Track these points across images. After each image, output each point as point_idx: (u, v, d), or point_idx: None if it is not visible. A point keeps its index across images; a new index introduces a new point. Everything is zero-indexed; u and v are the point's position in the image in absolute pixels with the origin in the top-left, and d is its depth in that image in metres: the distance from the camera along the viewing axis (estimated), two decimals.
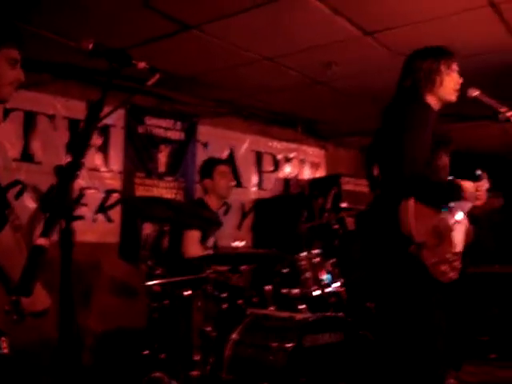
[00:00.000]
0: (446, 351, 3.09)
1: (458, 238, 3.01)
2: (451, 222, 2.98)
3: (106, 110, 1.99)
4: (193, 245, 4.16)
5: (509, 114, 3.14)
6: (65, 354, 1.54)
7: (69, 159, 1.57)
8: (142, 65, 1.97)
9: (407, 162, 2.82)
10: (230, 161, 6.19)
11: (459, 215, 3.03)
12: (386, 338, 3.24)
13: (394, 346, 3.11)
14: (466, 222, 3.06)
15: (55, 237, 1.62)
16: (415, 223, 2.77)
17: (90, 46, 1.88)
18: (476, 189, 3.02)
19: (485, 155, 7.01)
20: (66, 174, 1.60)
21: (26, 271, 1.54)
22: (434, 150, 2.99)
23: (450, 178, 3.09)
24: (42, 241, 1.53)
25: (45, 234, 1.56)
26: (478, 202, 3.06)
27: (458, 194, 2.98)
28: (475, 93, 3.15)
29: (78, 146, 1.65)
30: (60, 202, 1.57)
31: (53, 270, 1.60)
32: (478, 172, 3.13)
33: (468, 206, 3.06)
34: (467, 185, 2.99)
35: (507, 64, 4.70)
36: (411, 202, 2.80)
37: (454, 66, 3.14)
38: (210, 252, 4.44)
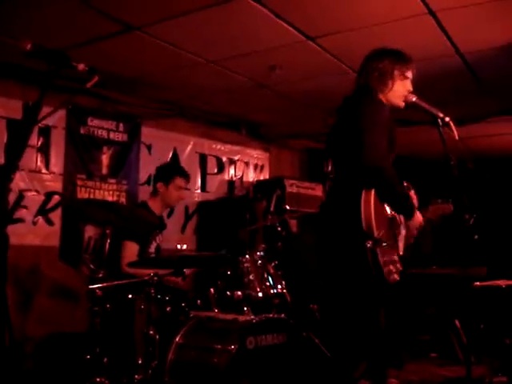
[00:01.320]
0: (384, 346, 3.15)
1: (401, 241, 3.09)
2: (399, 223, 3.06)
3: (47, 110, 1.96)
4: (130, 258, 4.12)
5: (446, 118, 3.23)
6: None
7: (3, 161, 1.53)
8: (81, 66, 1.95)
9: (367, 150, 2.83)
10: (175, 162, 6.16)
11: (403, 220, 3.11)
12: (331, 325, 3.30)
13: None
14: (405, 230, 3.15)
15: None
16: (374, 215, 2.80)
17: (28, 47, 1.85)
18: (419, 223, 3.13)
19: (428, 161, 7.19)
20: (0, 176, 1.56)
21: None
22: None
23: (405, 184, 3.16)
24: None
25: None
26: (413, 234, 3.17)
27: (408, 213, 3.06)
28: (413, 98, 3.23)
29: (14, 148, 1.62)
30: None
31: None
32: (405, 183, 3.23)
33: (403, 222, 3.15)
34: (419, 216, 3.09)
35: (446, 70, 4.83)
36: (373, 193, 2.83)
37: (408, 74, 3.21)
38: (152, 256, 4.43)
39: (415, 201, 3.24)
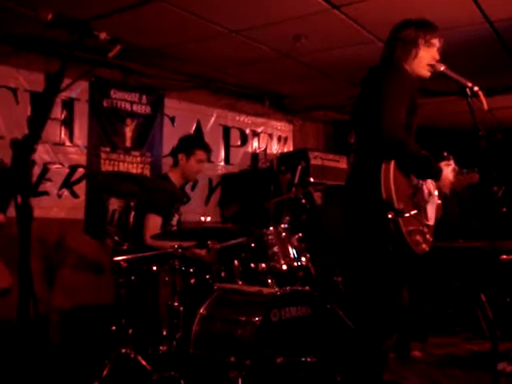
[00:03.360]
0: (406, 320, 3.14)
1: (431, 211, 3.05)
2: (426, 194, 3.02)
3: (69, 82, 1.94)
4: (153, 231, 4.13)
5: (475, 88, 3.15)
6: (25, 332, 1.51)
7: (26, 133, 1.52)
8: (103, 35, 1.92)
9: (386, 123, 2.79)
10: (198, 135, 6.14)
11: (432, 190, 3.06)
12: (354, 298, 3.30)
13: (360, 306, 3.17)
14: (436, 198, 3.10)
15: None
16: (394, 187, 2.76)
17: (49, 17, 1.82)
18: (448, 175, 3.08)
19: (456, 131, 7.09)
20: (23, 147, 1.55)
21: None
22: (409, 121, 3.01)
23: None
24: None
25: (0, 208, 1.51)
26: (445, 190, 3.12)
27: (435, 175, 3.01)
28: (441, 67, 3.16)
29: (35, 120, 1.60)
30: (15, 177, 1.52)
31: (12, 246, 1.55)
32: (445, 154, 3.17)
33: (435, 186, 3.10)
34: (446, 172, 3.04)
35: (475, 39, 4.72)
36: (392, 165, 2.80)
37: (434, 41, 3.13)
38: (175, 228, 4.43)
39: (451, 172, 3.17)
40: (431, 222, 3.04)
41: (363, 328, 3.05)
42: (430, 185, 3.06)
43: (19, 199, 1.49)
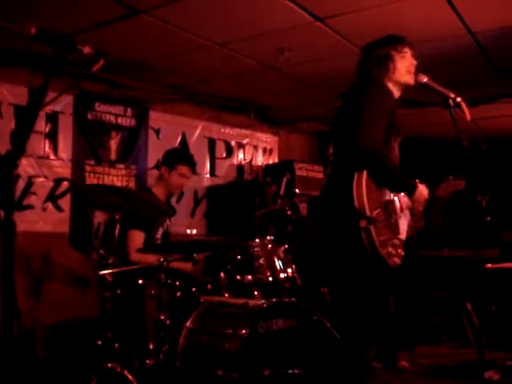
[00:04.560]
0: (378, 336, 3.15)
1: (403, 225, 3.05)
2: (398, 209, 3.02)
3: (54, 96, 1.93)
4: (136, 247, 4.11)
5: (458, 99, 3.19)
6: (9, 347, 1.49)
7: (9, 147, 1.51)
8: (86, 50, 1.92)
9: (363, 135, 2.83)
10: (183, 148, 6.14)
11: (404, 206, 3.06)
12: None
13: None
14: (408, 215, 3.11)
15: None
16: (367, 197, 2.78)
17: (33, 31, 1.82)
18: (423, 195, 3.09)
19: (441, 141, 7.14)
20: (5, 163, 1.54)
21: None
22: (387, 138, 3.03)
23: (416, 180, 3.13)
24: None
25: None
26: (417, 207, 3.13)
27: (408, 190, 3.02)
28: (424, 79, 3.20)
29: (18, 134, 1.60)
30: None
31: None
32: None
33: (408, 202, 3.11)
34: (422, 190, 3.05)
35: (457, 50, 4.76)
36: (365, 175, 2.82)
37: (406, 49, 3.18)
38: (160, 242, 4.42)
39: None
40: (403, 236, 3.05)
41: (343, 337, 3.07)
42: (402, 200, 3.06)
43: (2, 214, 1.49)
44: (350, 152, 2.92)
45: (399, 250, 2.96)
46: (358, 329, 3.03)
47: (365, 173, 2.82)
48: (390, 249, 2.88)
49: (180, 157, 4.72)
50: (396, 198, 3.02)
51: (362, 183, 2.79)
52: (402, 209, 3.04)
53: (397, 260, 2.92)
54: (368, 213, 2.76)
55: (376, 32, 3.26)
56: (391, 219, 2.93)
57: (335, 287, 3.28)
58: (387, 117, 2.96)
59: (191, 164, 4.72)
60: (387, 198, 2.98)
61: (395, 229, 2.98)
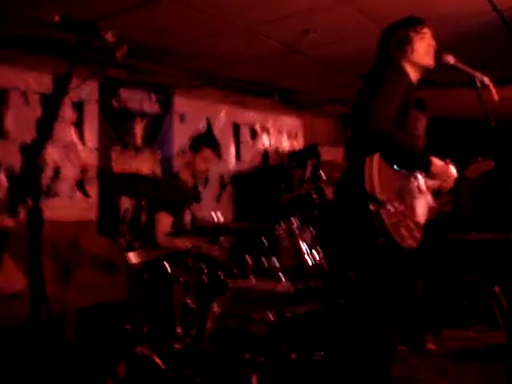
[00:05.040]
0: (396, 318, 3.10)
1: (420, 208, 3.01)
2: (415, 190, 2.98)
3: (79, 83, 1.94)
4: (164, 230, 4.14)
5: (485, 79, 3.14)
6: (38, 333, 1.52)
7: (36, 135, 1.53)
8: (109, 36, 1.92)
9: (372, 117, 2.80)
10: (209, 133, 6.15)
11: (424, 187, 3.02)
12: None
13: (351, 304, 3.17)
14: (429, 197, 3.06)
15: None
16: (378, 180, 2.75)
17: (56, 18, 1.83)
18: (446, 172, 3.04)
19: (468, 122, 7.05)
20: (32, 151, 1.55)
21: None
22: (410, 116, 3.00)
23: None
24: (6, 222, 1.50)
25: (9, 213, 1.51)
26: (444, 186, 3.08)
27: (424, 166, 2.97)
28: (450, 59, 3.14)
29: (44, 122, 1.61)
30: (25, 181, 1.52)
31: (24, 250, 1.56)
32: (447, 160, 3.14)
33: (433, 184, 3.06)
34: (438, 163, 3.00)
35: (483, 30, 4.68)
36: (376, 158, 2.79)
37: (425, 30, 3.13)
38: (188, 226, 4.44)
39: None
40: (420, 219, 3.01)
41: (367, 320, 3.05)
42: (421, 182, 3.02)
43: (29, 203, 1.50)
44: (361, 133, 2.91)
45: (415, 233, 2.93)
46: (379, 310, 3.01)
47: (376, 156, 2.79)
48: (404, 231, 2.85)
49: (204, 141, 4.73)
50: (413, 181, 2.98)
51: (373, 166, 2.77)
52: (420, 191, 3.00)
53: (411, 242, 2.89)
54: (378, 196, 2.74)
55: (400, 12, 3.21)
56: (405, 202, 2.90)
57: (353, 270, 3.26)
58: (400, 98, 2.93)
59: (215, 147, 4.72)
60: (403, 180, 2.94)
61: (411, 211, 2.95)
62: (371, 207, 2.74)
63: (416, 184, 2.98)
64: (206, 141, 4.74)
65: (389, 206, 2.76)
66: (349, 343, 3.13)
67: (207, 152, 4.57)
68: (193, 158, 4.55)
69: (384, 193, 2.76)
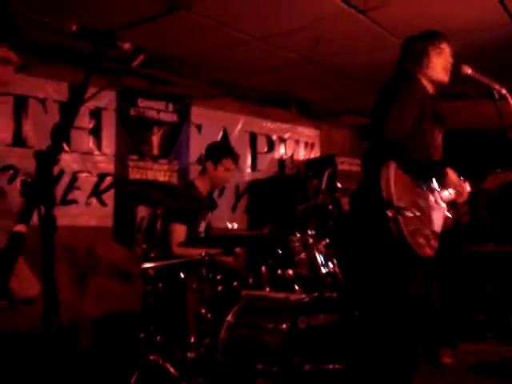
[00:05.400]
0: (423, 326, 3.08)
1: (437, 219, 3.00)
2: (432, 200, 2.98)
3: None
4: (179, 240, 4.14)
5: (503, 91, 3.12)
6: (50, 340, 1.52)
7: (47, 144, 1.54)
8: (126, 46, 1.93)
9: (387, 128, 2.83)
10: (225, 142, 6.16)
11: (439, 198, 3.02)
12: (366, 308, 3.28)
13: (371, 315, 3.15)
14: (445, 209, 3.05)
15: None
16: (395, 187, 2.76)
17: (74, 28, 1.84)
18: (460, 183, 3.04)
19: (487, 134, 7.01)
20: (46, 158, 1.57)
21: (2, 259, 1.52)
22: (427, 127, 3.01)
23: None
24: (19, 227, 1.50)
25: (22, 220, 1.52)
26: (460, 198, 3.09)
27: (438, 175, 2.97)
28: (468, 70, 3.13)
29: (59, 130, 1.62)
30: (38, 187, 1.54)
31: (37, 256, 1.58)
32: (461, 178, 3.15)
33: (448, 197, 3.06)
34: (452, 173, 3.01)
35: (501, 41, 4.66)
36: (392, 166, 2.80)
37: (443, 46, 3.14)
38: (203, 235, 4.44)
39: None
40: (436, 228, 2.99)
41: (388, 332, 3.02)
42: (438, 194, 3.02)
43: (42, 210, 1.52)
44: (376, 143, 2.94)
45: (432, 242, 2.92)
46: (393, 320, 2.99)
47: (393, 164, 2.81)
48: (421, 239, 2.84)
49: (224, 151, 4.69)
50: (430, 192, 2.98)
51: (390, 174, 2.78)
52: (437, 202, 3.00)
53: (429, 251, 2.89)
54: (396, 203, 2.74)
55: (417, 23, 3.23)
56: (422, 210, 2.89)
57: (369, 278, 3.24)
58: (416, 110, 2.93)
59: (235, 158, 4.70)
60: (420, 189, 2.94)
61: (428, 220, 2.94)
62: (389, 214, 2.74)
63: (433, 195, 2.98)
64: (225, 151, 4.71)
65: (407, 213, 2.76)
66: (369, 355, 3.10)
67: (228, 162, 4.56)
68: (213, 168, 4.52)
69: (401, 200, 2.77)
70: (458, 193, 3.10)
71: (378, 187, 2.79)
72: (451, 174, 3.02)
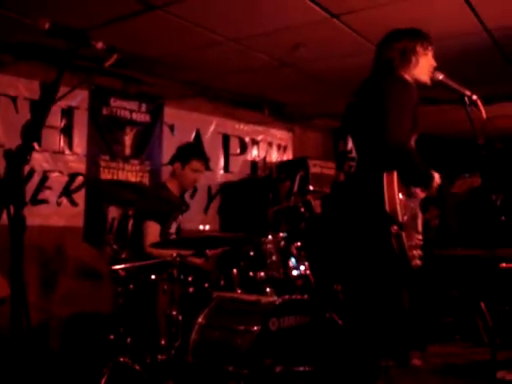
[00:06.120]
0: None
1: (420, 226, 3.02)
2: (418, 209, 2.99)
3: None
4: (152, 238, 4.12)
5: (474, 97, 3.16)
6: (19, 340, 1.50)
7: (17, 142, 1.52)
8: (99, 45, 1.92)
9: (393, 132, 2.74)
10: (197, 144, 6.15)
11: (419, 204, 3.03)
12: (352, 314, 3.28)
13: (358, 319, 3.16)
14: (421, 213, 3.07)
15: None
16: (400, 202, 2.70)
17: (47, 26, 1.83)
18: (438, 182, 3.06)
19: (456, 139, 7.10)
20: (16, 157, 1.55)
21: None
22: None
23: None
24: None
25: None
26: (428, 192, 3.08)
27: (428, 182, 2.98)
28: (440, 76, 3.16)
29: (30, 129, 1.60)
30: (8, 187, 1.52)
31: (5, 255, 1.55)
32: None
33: (420, 197, 3.06)
34: (437, 177, 3.01)
35: (473, 47, 4.73)
36: (395, 176, 2.73)
37: (430, 48, 3.13)
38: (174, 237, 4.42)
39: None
40: (421, 237, 3.02)
41: (357, 337, 3.04)
42: (416, 198, 3.02)
43: (12, 210, 1.50)
44: (378, 150, 2.83)
45: (419, 251, 2.93)
46: (374, 329, 3.01)
47: (395, 174, 2.73)
48: (414, 251, 2.84)
49: (193, 152, 4.67)
50: (417, 199, 2.98)
51: (393, 186, 2.71)
52: (417, 206, 3.01)
53: (418, 262, 2.89)
54: (400, 218, 2.69)
55: (391, 28, 3.23)
56: (414, 222, 2.89)
57: (357, 286, 3.23)
58: (412, 112, 2.92)
59: (204, 159, 4.67)
60: (411, 200, 2.93)
61: (416, 230, 2.94)
62: (393, 230, 2.68)
63: (417, 203, 2.98)
64: (193, 151, 4.68)
65: (407, 228, 2.73)
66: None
67: (195, 163, 4.53)
68: (181, 169, 4.50)
69: (403, 215, 2.72)
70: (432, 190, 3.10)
71: (381, 200, 2.71)
72: (436, 177, 3.00)
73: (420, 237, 2.96)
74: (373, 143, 2.88)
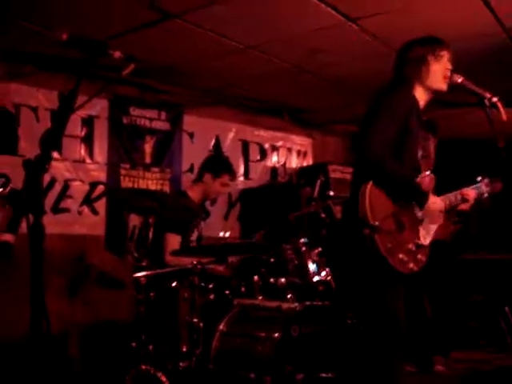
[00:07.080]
0: (404, 341, 3.07)
1: (427, 231, 2.99)
2: (419, 214, 2.96)
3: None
4: (172, 248, 4.13)
5: (494, 99, 3.13)
6: (38, 348, 1.51)
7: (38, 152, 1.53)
8: (117, 54, 1.93)
9: (368, 143, 2.81)
10: (217, 151, 6.17)
11: (431, 209, 2.99)
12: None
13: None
14: (437, 219, 3.03)
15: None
16: (370, 206, 2.77)
17: (65, 37, 1.84)
18: (442, 211, 3.02)
19: (477, 142, 7.03)
20: (35, 167, 1.56)
21: None
22: (416, 137, 3.00)
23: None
24: (6, 237, 1.49)
25: (10, 229, 1.51)
26: (464, 205, 3.08)
27: (418, 200, 2.95)
28: (459, 79, 3.13)
29: (48, 138, 1.61)
30: (27, 197, 1.53)
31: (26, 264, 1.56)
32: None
33: (448, 204, 3.06)
34: (434, 200, 2.98)
35: (493, 50, 4.69)
36: (369, 185, 2.81)
37: (443, 53, 3.11)
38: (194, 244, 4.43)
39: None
40: (425, 241, 2.98)
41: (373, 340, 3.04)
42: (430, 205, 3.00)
43: (31, 219, 1.51)
44: (359, 159, 2.93)
45: (418, 256, 2.91)
46: (381, 330, 3.00)
47: (370, 183, 2.81)
48: (402, 255, 2.83)
49: (224, 166, 4.72)
50: (412, 206, 2.97)
51: (366, 192, 2.79)
52: (424, 214, 2.98)
53: (413, 266, 2.87)
54: (371, 221, 2.75)
55: (408, 33, 3.22)
56: (404, 226, 2.88)
57: (353, 290, 3.27)
58: (399, 122, 2.90)
59: (234, 175, 4.75)
60: (401, 204, 2.92)
61: (412, 234, 2.93)
62: (365, 232, 2.75)
63: (417, 208, 2.96)
64: (226, 167, 4.72)
65: (383, 232, 2.76)
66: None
67: (226, 178, 4.59)
68: (211, 180, 4.54)
69: (376, 219, 2.77)
70: (464, 199, 3.10)
71: (355, 206, 2.81)
72: (433, 202, 2.99)
73: (420, 241, 2.94)
74: (356, 153, 2.96)
